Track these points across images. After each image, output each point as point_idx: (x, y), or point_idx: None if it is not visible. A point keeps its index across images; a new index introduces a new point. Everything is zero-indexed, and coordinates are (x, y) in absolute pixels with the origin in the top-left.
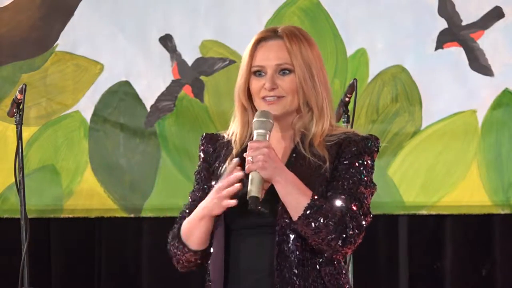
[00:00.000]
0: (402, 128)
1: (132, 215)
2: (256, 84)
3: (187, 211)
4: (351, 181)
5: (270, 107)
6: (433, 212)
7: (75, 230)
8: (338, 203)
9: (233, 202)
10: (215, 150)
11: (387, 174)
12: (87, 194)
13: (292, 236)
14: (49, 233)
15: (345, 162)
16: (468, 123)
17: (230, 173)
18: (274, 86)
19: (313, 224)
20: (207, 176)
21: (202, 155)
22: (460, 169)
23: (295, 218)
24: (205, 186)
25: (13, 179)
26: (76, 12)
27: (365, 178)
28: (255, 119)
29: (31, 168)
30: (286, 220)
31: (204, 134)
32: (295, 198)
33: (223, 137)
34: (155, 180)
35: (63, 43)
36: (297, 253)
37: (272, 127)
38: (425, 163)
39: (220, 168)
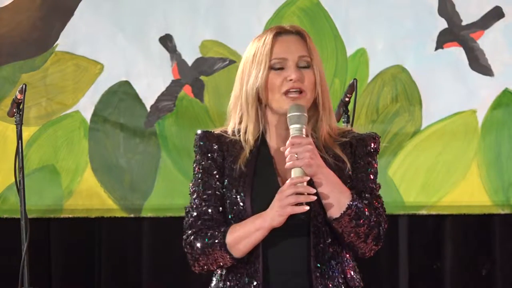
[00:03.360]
0: (402, 128)
1: (132, 215)
2: (276, 79)
3: (207, 212)
4: (369, 181)
5: (295, 101)
6: (433, 212)
7: (75, 230)
8: (366, 201)
9: (301, 208)
10: (220, 148)
11: (387, 174)
12: (87, 194)
13: (325, 236)
14: (49, 233)
15: (360, 162)
16: (468, 123)
17: (291, 179)
18: (302, 76)
19: (354, 222)
20: (216, 173)
21: (204, 153)
22: (460, 169)
23: (336, 215)
24: (216, 186)
25: (13, 179)
26: (76, 12)
27: (377, 176)
28: (290, 113)
29: (31, 168)
30: (320, 220)
31: (200, 132)
32: (337, 196)
33: (223, 135)
34: (155, 180)
35: (63, 43)
36: (330, 251)
37: (307, 121)
38: (425, 163)
39: (233, 167)
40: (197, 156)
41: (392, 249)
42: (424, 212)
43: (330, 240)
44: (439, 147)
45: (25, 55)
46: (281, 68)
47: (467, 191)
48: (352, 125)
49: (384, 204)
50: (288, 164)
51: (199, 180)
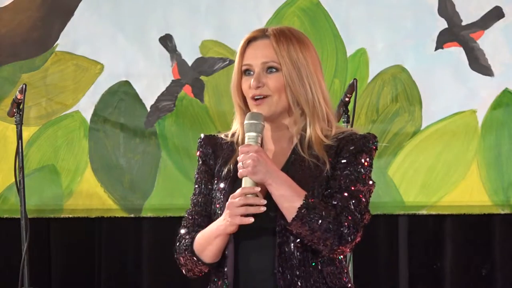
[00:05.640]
0: (402, 128)
1: (132, 215)
2: (245, 83)
3: (190, 218)
4: (348, 180)
5: (258, 107)
6: (433, 212)
7: (75, 230)
8: (334, 201)
9: (248, 219)
10: (214, 151)
11: (387, 174)
12: (87, 194)
13: (292, 237)
14: (49, 233)
15: (343, 161)
16: (468, 123)
17: (243, 189)
18: (259, 84)
19: (307, 224)
20: (206, 178)
21: (200, 157)
22: (460, 169)
23: (289, 219)
24: (205, 191)
25: (13, 179)
26: (76, 12)
27: (363, 176)
28: (245, 121)
29: (31, 168)
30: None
31: (202, 136)
32: (288, 199)
33: (223, 138)
34: (155, 180)
35: (63, 43)
36: (298, 253)
37: (263, 129)
38: (425, 163)
39: (223, 169)
40: (197, 161)
41: (392, 249)
42: (424, 212)
43: (299, 240)
44: (439, 147)
45: (25, 55)
46: (251, 73)
47: (467, 191)
48: (352, 125)
49: (368, 205)
50: (238, 173)
51: (195, 185)
